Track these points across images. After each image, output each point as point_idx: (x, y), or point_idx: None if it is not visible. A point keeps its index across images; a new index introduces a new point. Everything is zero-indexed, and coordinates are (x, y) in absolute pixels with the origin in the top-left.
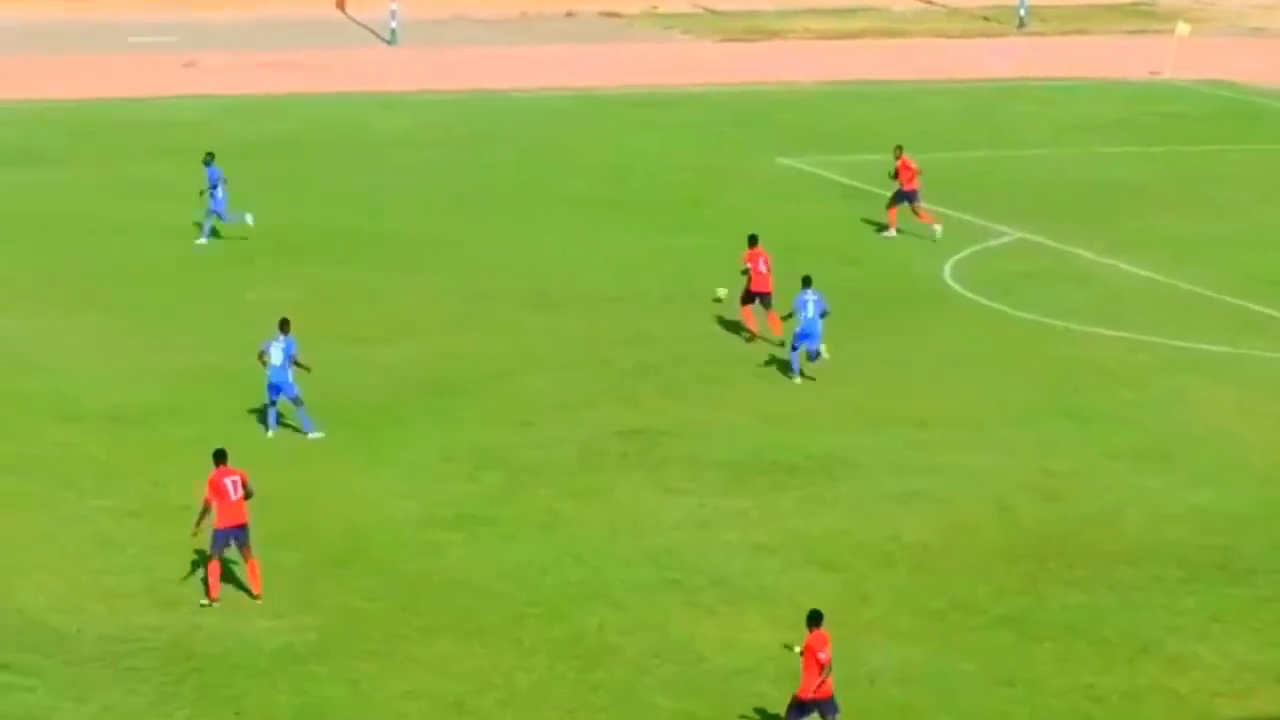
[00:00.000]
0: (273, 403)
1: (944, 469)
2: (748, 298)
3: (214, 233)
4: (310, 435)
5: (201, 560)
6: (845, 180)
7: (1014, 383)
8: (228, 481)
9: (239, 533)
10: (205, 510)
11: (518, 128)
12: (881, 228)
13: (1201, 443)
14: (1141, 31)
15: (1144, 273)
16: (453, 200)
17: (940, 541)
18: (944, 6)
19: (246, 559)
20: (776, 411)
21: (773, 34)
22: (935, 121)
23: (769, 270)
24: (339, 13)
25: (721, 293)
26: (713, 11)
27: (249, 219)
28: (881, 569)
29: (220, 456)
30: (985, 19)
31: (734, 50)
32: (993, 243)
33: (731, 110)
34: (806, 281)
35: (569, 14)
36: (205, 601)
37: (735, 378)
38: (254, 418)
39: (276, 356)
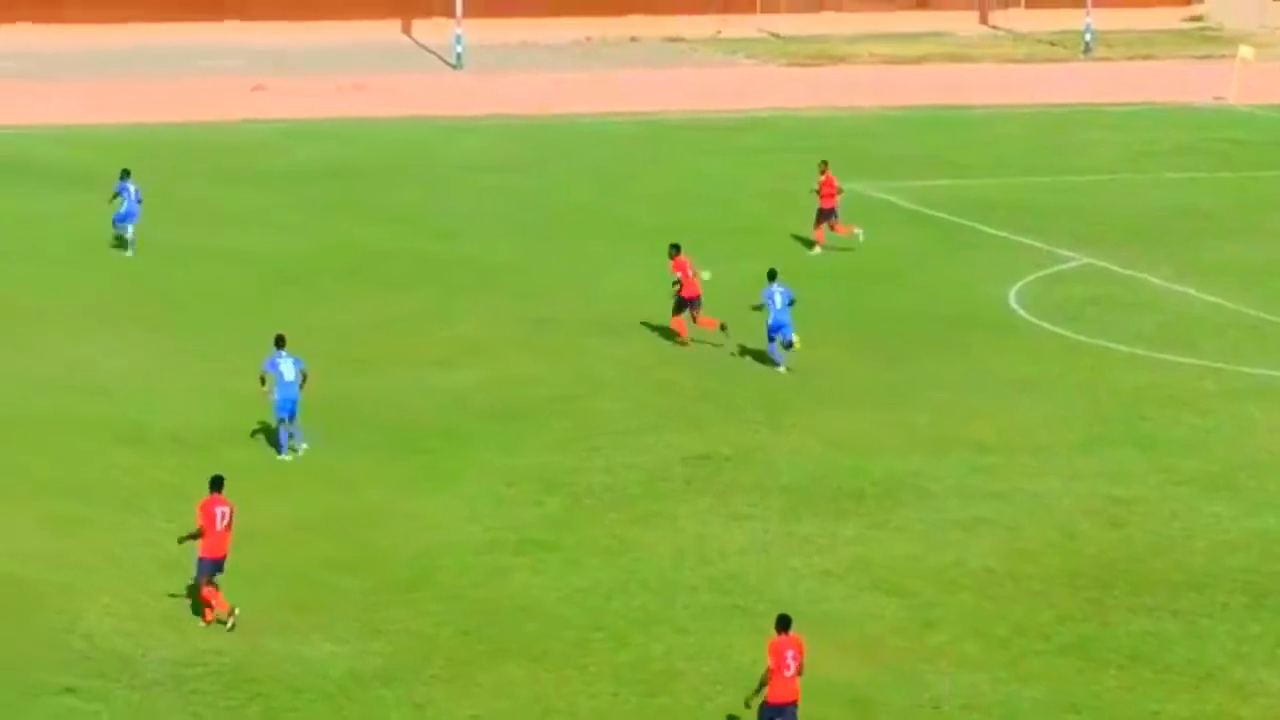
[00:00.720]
0: (291, 419)
1: (1009, 495)
2: (679, 306)
3: (120, 241)
4: (283, 457)
5: (266, 580)
6: (911, 206)
7: (1079, 408)
8: (218, 511)
9: (221, 565)
10: (198, 535)
11: (582, 153)
12: (811, 243)
13: (1268, 470)
14: (1207, 57)
15: (1211, 298)
16: (518, 225)
17: (1005, 567)
18: (1009, 31)
19: (213, 585)
20: (840, 436)
21: (839, 59)
22: (1001, 147)
23: (696, 275)
24: (405, 37)
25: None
26: (778, 36)
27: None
28: (946, 595)
29: (216, 483)
30: (1051, 44)
31: (799, 75)
32: (1059, 268)
33: (797, 136)
34: (772, 275)
35: (633, 39)
36: (202, 624)
37: (798, 402)
38: (315, 441)
39: (290, 372)
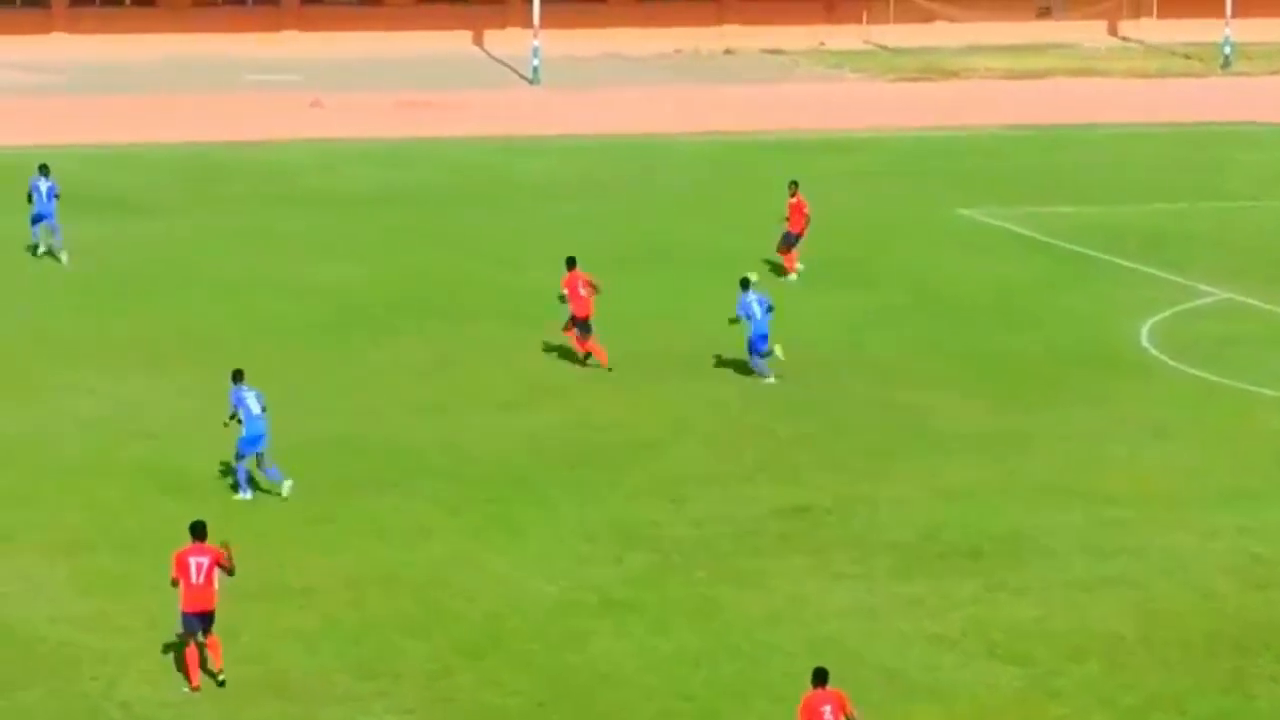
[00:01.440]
0: (258, 455)
1: (1140, 552)
2: (570, 324)
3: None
4: (243, 496)
5: (323, 641)
6: (1031, 234)
7: (1218, 458)
8: (193, 561)
9: (206, 619)
10: (178, 589)
11: (669, 176)
12: (783, 271)
13: None
14: None
15: None
16: (596, 253)
17: (1136, 632)
18: (1140, 43)
19: (206, 635)
20: (952, 487)
21: (951, 73)
22: (1130, 169)
23: (590, 293)
24: (476, 49)
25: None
26: (885, 49)
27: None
28: (1071, 662)
29: (196, 530)
30: (1186, 57)
31: (908, 91)
32: (1195, 303)
33: (905, 157)
34: (746, 284)
35: (728, 51)
36: (187, 690)
37: (905, 449)
38: (378, 490)
39: (255, 405)
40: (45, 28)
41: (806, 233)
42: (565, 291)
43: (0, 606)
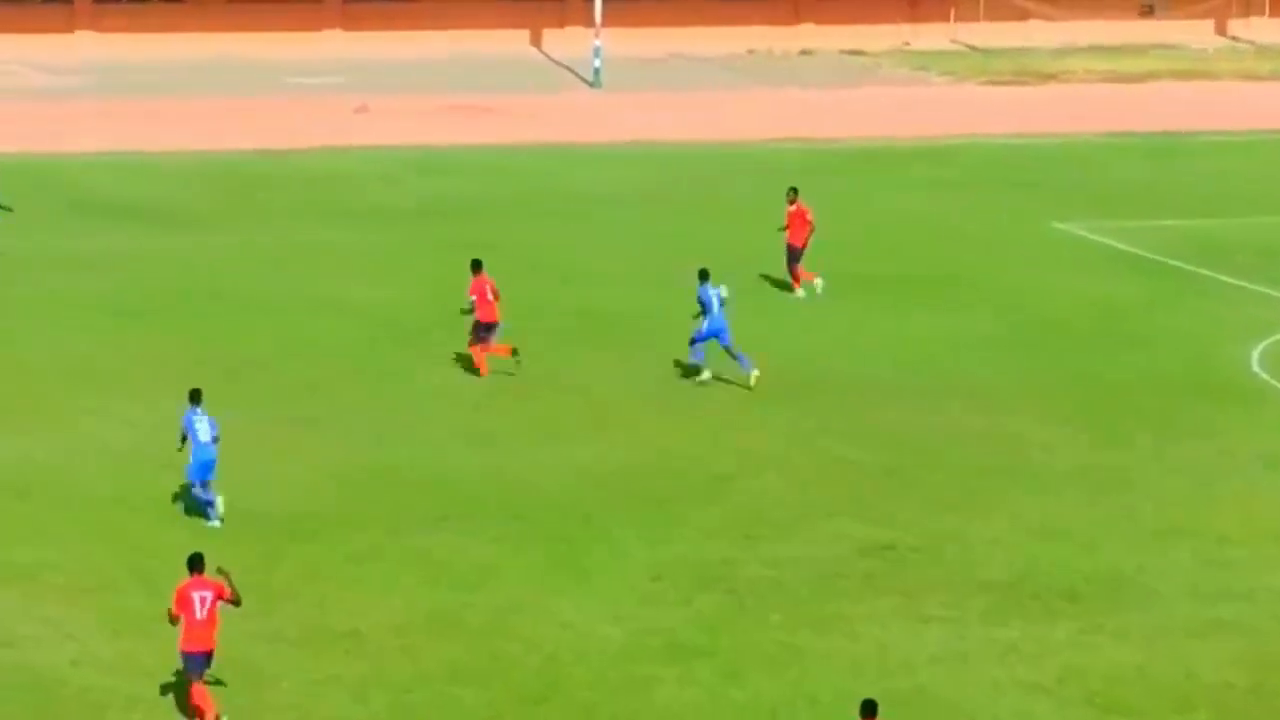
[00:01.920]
0: (204, 485)
1: (1252, 594)
2: (477, 334)
3: None
4: (213, 524)
5: (372, 690)
6: (1133, 250)
7: None
8: (195, 596)
9: (203, 658)
10: (179, 626)
11: (740, 186)
12: (788, 287)
13: None
14: None
15: None
16: (662, 268)
17: (1248, 681)
18: (1251, 43)
19: (199, 679)
20: (1048, 524)
21: (1047, 76)
22: (1240, 180)
23: (497, 298)
24: (534, 50)
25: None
26: (975, 49)
27: None
28: (1176, 713)
29: (195, 563)
30: None
31: (1000, 95)
32: None
33: (997, 166)
34: (704, 275)
35: (804, 52)
36: None
37: (998, 484)
38: (430, 526)
39: (205, 432)
40: (68, 26)
41: (809, 243)
42: (473, 299)
43: (23, 650)
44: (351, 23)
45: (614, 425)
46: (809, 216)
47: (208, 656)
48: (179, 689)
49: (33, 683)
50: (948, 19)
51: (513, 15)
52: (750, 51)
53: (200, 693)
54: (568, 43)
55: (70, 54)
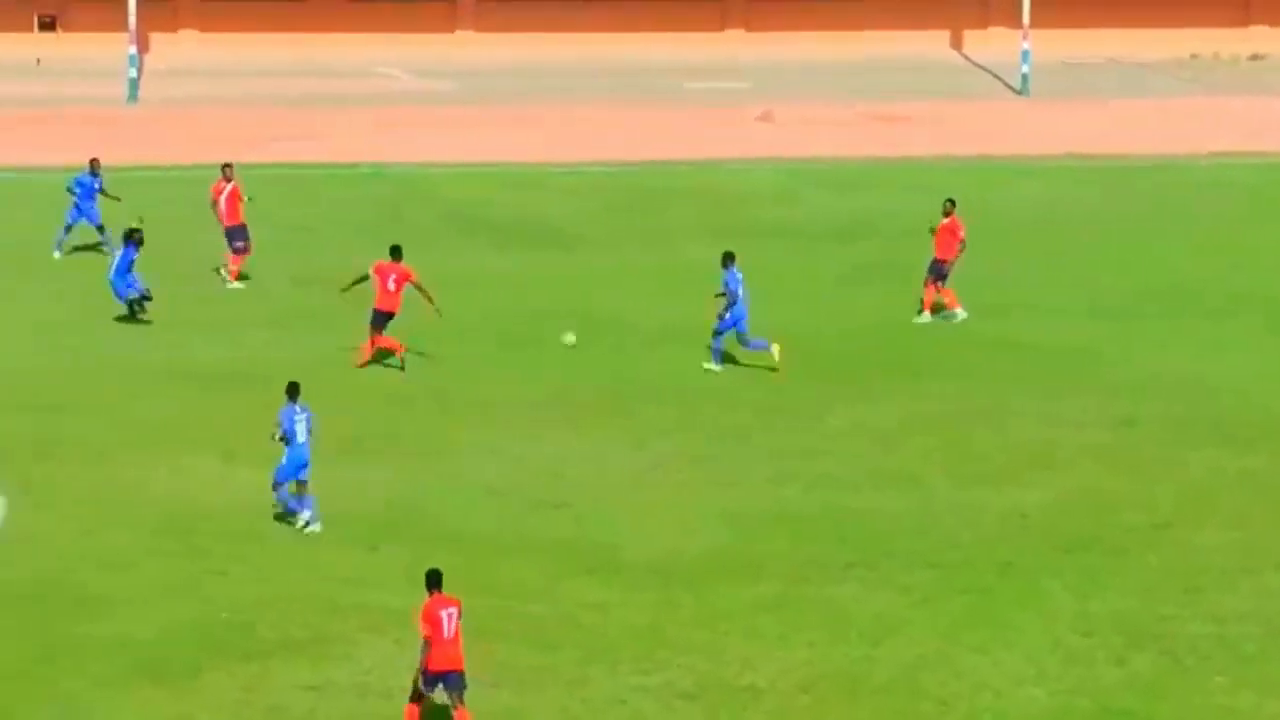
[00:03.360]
0: (301, 484)
1: None
2: (377, 322)
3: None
4: (312, 528)
5: None
6: None
7: None
8: (443, 614)
9: (453, 678)
10: (427, 646)
11: (1186, 205)
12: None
13: None
14: None
15: None
16: (1095, 296)
17: None
18: None
19: (456, 706)
20: None
21: None
22: None
23: (399, 288)
24: (954, 53)
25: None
26: None
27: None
28: None
29: (434, 580)
30: None
31: None
32: None
33: None
34: (729, 258)
35: (1255, 56)
36: None
37: None
38: (837, 574)
39: (303, 433)
40: (448, 25)
41: (959, 260)
42: (372, 274)
43: (396, 701)
44: (756, 23)
45: (1040, 467)
46: (962, 234)
47: (460, 676)
48: None
49: None
50: None
51: (930, 15)
52: (1193, 56)
53: (411, 713)
54: (991, 45)
55: (449, 56)
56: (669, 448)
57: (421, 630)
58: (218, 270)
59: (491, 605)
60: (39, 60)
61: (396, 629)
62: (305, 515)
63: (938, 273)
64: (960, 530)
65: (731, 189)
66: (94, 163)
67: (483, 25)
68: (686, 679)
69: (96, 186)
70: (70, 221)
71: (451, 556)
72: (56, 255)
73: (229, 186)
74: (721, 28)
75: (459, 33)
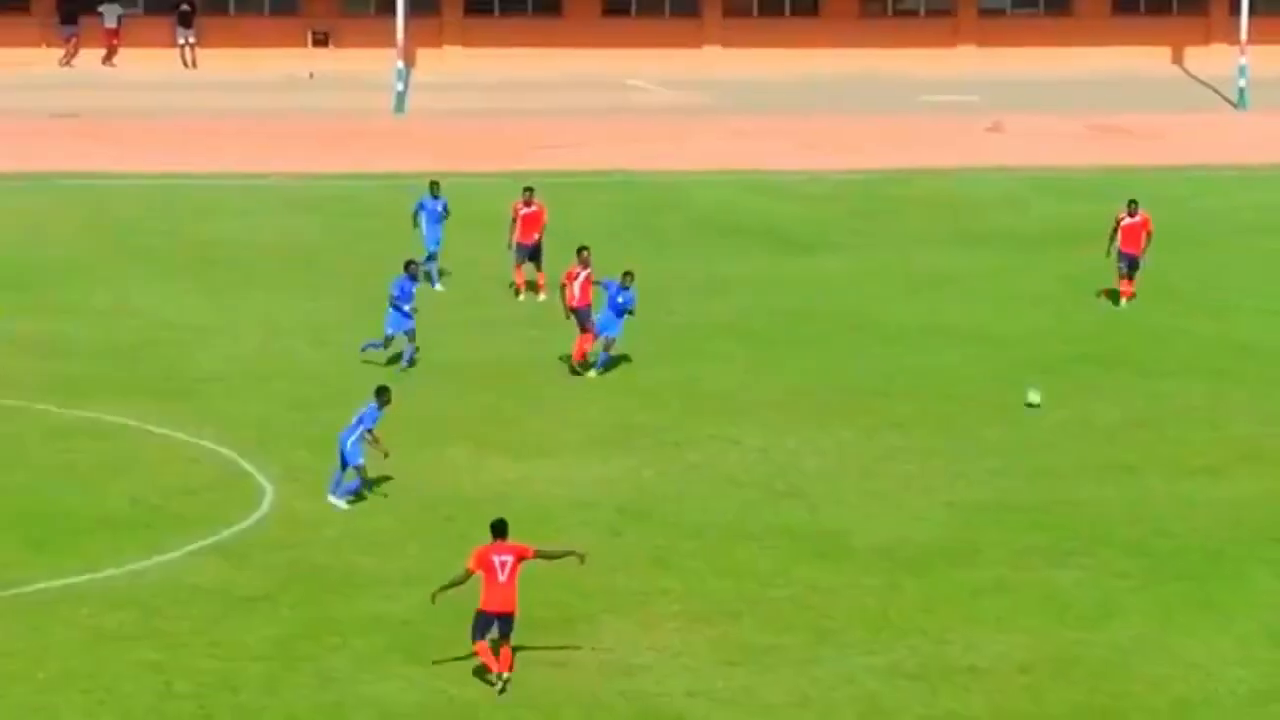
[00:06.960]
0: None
1: None
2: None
3: None
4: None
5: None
6: None
7: None
8: (496, 560)
9: (503, 621)
10: (459, 581)
11: None
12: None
13: None
14: None
15: None
16: None
17: None
18: None
19: (503, 645)
20: None
21: None
22: None
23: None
24: (1175, 68)
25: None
26: None
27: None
28: None
29: (498, 529)
30: None
31: None
32: None
33: None
34: (629, 276)
35: None
36: (493, 677)
37: None
38: (1056, 560)
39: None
40: (696, 41)
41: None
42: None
43: (638, 679)
44: (987, 38)
45: (1252, 462)
46: (1150, 227)
47: (509, 618)
48: (829, 704)
49: (648, 712)
50: None
51: (1154, 32)
52: None
53: (483, 649)
54: (1211, 60)
55: (696, 69)
56: (899, 441)
57: (471, 565)
58: (512, 285)
59: (729, 588)
60: (312, 74)
61: (638, 610)
62: (338, 501)
63: (1129, 266)
64: (1173, 520)
65: (963, 196)
66: (434, 185)
67: (728, 41)
68: (911, 660)
69: (439, 209)
70: (432, 250)
71: (691, 542)
72: (438, 288)
73: (526, 209)
74: (954, 44)
75: (706, 48)
